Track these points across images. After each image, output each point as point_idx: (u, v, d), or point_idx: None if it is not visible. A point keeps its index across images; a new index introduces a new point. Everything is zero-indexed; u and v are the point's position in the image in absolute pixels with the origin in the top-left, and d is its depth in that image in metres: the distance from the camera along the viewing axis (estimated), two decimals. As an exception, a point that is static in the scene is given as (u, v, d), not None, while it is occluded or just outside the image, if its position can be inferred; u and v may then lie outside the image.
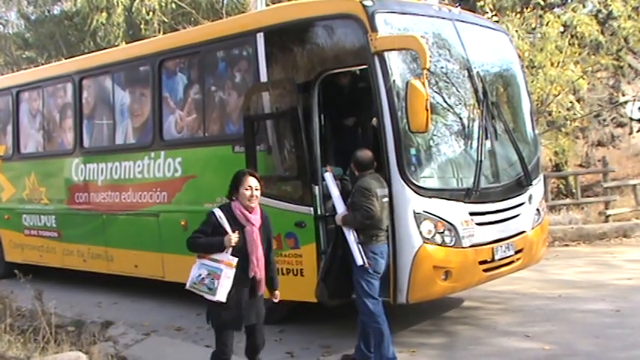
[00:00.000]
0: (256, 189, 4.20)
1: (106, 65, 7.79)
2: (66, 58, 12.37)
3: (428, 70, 4.96)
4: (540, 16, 11.88)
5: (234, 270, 4.05)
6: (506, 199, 5.72)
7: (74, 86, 8.04)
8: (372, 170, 4.84)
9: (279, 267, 5.64)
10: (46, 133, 8.67)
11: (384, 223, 4.81)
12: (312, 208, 5.47)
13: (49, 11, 19.04)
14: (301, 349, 5.31)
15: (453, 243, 5.24)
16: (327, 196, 5.55)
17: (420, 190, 5.10)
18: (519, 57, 7.29)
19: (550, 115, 11.83)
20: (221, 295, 4.01)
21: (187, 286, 4.15)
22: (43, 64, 13.89)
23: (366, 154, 4.89)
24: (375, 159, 4.91)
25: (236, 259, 4.07)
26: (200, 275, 4.08)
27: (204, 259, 4.14)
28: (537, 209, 6.17)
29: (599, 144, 18.03)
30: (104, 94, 7.81)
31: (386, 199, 4.85)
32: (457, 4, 9.44)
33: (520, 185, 5.92)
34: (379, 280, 4.79)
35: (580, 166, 16.68)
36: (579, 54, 11.60)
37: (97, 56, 8.54)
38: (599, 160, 14.57)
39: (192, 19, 13.87)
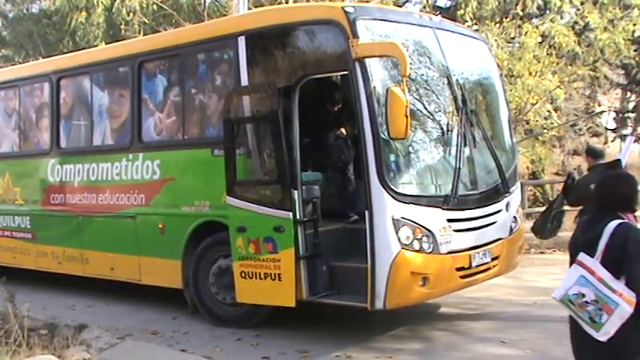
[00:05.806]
0: None
1: (84, 65, 7.69)
2: (44, 58, 12.21)
3: (408, 77, 5.01)
4: (519, 26, 12.04)
5: (631, 311, 2.90)
6: (483, 207, 5.77)
7: (52, 86, 7.92)
8: (602, 159, 4.91)
9: (257, 271, 5.68)
10: (22, 133, 8.52)
11: None
12: (291, 213, 5.45)
13: (27, 9, 18.70)
14: (278, 354, 5.28)
15: (430, 249, 5.27)
16: (305, 200, 5.58)
17: (399, 197, 5.12)
18: (498, 66, 7.38)
19: (527, 123, 12.00)
20: (605, 336, 2.95)
21: (557, 297, 3.08)
22: (20, 63, 13.68)
23: (596, 145, 5.22)
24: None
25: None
26: (582, 295, 2.96)
27: (591, 275, 2.95)
28: (514, 217, 6.23)
29: (575, 153, 18.30)
30: (82, 94, 7.70)
31: None
32: (438, 13, 9.54)
33: (498, 193, 5.97)
34: None
35: (556, 174, 16.89)
36: (557, 64, 11.78)
37: (75, 56, 8.44)
38: (574, 169, 14.79)
39: (174, 20, 13.76)
